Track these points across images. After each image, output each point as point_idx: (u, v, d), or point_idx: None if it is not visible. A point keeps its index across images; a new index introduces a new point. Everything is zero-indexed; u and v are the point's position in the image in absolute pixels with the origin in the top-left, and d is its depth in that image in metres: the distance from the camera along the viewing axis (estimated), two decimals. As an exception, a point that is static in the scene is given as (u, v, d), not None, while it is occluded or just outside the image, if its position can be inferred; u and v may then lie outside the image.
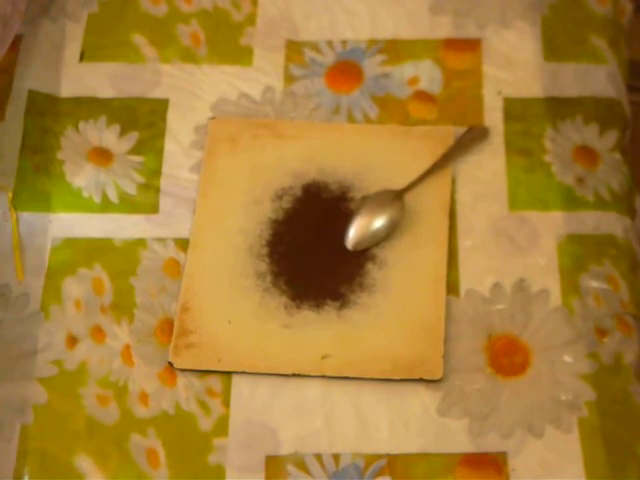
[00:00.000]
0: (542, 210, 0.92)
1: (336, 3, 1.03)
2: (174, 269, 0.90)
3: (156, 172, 0.95)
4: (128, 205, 0.93)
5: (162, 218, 0.92)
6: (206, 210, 0.92)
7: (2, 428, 0.83)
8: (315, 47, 1.01)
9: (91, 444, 0.83)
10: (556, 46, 1.00)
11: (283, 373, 0.85)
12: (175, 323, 0.87)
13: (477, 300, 0.88)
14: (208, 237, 0.91)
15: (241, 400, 0.84)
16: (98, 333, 0.87)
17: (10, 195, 0.93)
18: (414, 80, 0.99)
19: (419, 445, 0.82)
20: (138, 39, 1.02)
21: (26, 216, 0.92)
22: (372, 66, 1.00)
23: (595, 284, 0.88)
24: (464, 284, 0.88)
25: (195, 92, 0.99)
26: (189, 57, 1.01)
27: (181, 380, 0.85)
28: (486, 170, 0.94)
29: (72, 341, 0.86)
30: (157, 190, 0.94)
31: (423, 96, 0.98)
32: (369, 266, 0.89)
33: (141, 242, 0.91)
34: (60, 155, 0.95)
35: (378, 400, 0.84)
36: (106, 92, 0.99)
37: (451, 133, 0.95)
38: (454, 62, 1.00)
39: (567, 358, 0.85)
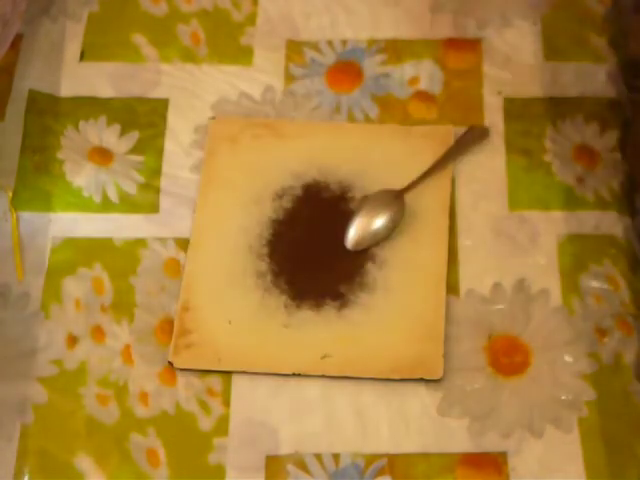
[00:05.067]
0: (542, 210, 0.92)
1: (336, 3, 1.03)
2: (174, 269, 0.90)
3: (156, 172, 0.95)
4: (128, 205, 0.93)
5: (162, 218, 0.93)
6: (206, 210, 0.92)
7: (2, 428, 0.83)
8: (315, 47, 1.01)
9: (91, 444, 0.83)
10: (556, 46, 1.00)
11: (283, 373, 0.85)
12: (175, 323, 0.87)
13: (477, 300, 0.88)
14: (208, 237, 0.91)
15: (241, 400, 0.84)
16: (98, 333, 0.87)
17: (10, 195, 0.93)
18: (414, 80, 0.99)
19: (419, 445, 0.82)
20: (138, 39, 1.02)
21: (26, 216, 0.92)
22: (372, 66, 1.00)
23: (595, 284, 0.88)
24: (464, 284, 0.88)
25: (195, 92, 0.99)
26: (189, 57, 1.01)
27: (181, 380, 0.85)
28: (486, 170, 0.94)
29: (72, 341, 0.87)
30: (157, 190, 0.94)
31: (423, 96, 0.98)
32: (369, 266, 0.89)
33: (141, 242, 0.91)
34: (60, 155, 0.95)
35: (378, 400, 0.84)
36: (106, 92, 0.99)
37: (451, 133, 0.96)
38: (454, 62, 1.00)
39: (567, 358, 0.85)
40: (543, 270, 0.89)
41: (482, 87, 0.98)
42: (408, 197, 0.91)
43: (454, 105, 0.98)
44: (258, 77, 0.99)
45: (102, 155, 0.95)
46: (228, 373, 0.85)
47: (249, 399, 0.84)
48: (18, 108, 0.97)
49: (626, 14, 1.05)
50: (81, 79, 1.00)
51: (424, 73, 0.99)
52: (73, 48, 1.01)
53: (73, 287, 0.89)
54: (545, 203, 0.92)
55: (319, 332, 0.86)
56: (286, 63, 1.00)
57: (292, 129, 0.97)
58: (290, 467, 0.82)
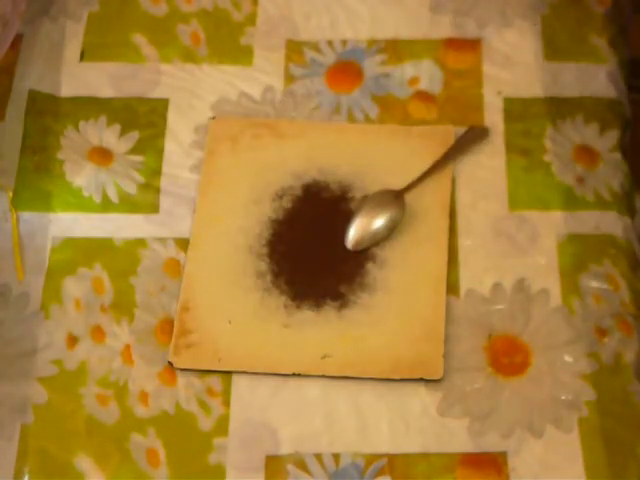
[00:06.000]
0: (542, 210, 0.92)
1: (336, 3, 1.03)
2: (174, 269, 0.90)
3: (156, 172, 0.95)
4: (128, 205, 0.93)
5: (162, 218, 0.93)
6: (206, 210, 0.92)
7: (2, 427, 0.83)
8: (315, 47, 1.01)
9: (91, 444, 0.83)
10: (556, 46, 1.00)
11: (283, 373, 0.85)
12: (175, 323, 0.87)
13: (477, 300, 0.88)
14: (208, 237, 0.91)
15: (241, 400, 0.84)
16: (98, 333, 0.87)
17: (10, 195, 0.93)
18: (414, 80, 0.99)
19: (419, 445, 0.82)
20: (138, 39, 1.02)
21: (26, 216, 0.92)
22: (372, 66, 1.00)
23: (595, 284, 0.88)
24: (464, 284, 0.88)
25: (195, 92, 0.99)
26: (189, 57, 1.01)
27: (181, 380, 0.85)
28: (486, 170, 0.94)
29: (72, 341, 0.86)
30: (157, 190, 0.94)
31: (423, 96, 0.98)
32: (369, 266, 0.89)
33: (141, 242, 0.91)
34: (60, 155, 0.95)
35: (378, 400, 0.84)
36: (106, 92, 0.99)
37: (451, 133, 0.96)
38: (454, 62, 1.00)
39: (567, 358, 0.85)
40: (543, 270, 0.89)
41: (482, 87, 0.98)
42: (408, 197, 0.91)
43: (454, 105, 0.98)
44: (258, 77, 1.00)
45: (102, 155, 0.95)
46: (228, 373, 0.85)
47: (249, 399, 0.84)
48: (18, 108, 0.97)
49: (626, 14, 1.05)
50: (81, 79, 1.00)
51: (424, 73, 0.99)
52: (73, 48, 1.01)
53: (73, 287, 0.89)
54: (545, 203, 0.92)
55: (319, 332, 0.86)
56: (286, 63, 1.00)
57: (292, 129, 0.97)
58: (290, 467, 0.82)
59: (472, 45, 1.01)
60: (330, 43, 1.01)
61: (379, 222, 0.90)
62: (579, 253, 0.90)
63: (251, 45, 1.01)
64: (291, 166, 0.94)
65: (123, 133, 0.97)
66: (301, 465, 0.82)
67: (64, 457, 0.82)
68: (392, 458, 0.82)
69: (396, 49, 1.01)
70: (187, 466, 0.82)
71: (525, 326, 0.86)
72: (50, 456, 0.82)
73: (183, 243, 0.91)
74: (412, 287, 0.88)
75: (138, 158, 0.95)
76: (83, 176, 0.94)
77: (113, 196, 0.93)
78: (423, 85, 0.99)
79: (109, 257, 0.91)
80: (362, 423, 0.83)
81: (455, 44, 1.01)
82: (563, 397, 0.83)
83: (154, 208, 0.93)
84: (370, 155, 0.95)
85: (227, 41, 1.02)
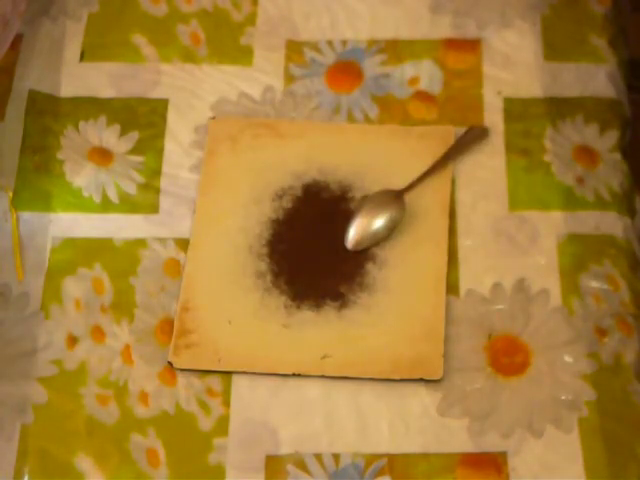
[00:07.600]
0: (542, 210, 0.92)
1: (336, 3, 1.03)
2: (174, 269, 0.90)
3: (156, 172, 0.95)
4: (128, 205, 0.93)
5: (162, 218, 0.93)
6: (206, 210, 0.92)
7: (2, 427, 0.83)
8: (315, 47, 1.01)
9: (91, 444, 0.83)
10: (556, 46, 1.00)
11: (283, 373, 0.85)
12: (175, 323, 0.87)
13: (477, 300, 0.88)
14: (208, 237, 0.91)
15: (241, 400, 0.84)
16: (98, 333, 0.87)
17: (10, 195, 0.93)
18: (414, 80, 0.99)
19: (419, 445, 0.82)
20: (138, 39, 1.02)
21: (26, 216, 0.92)
22: (372, 66, 1.00)
23: (595, 284, 0.88)
24: (464, 284, 0.88)
25: (195, 92, 0.99)
26: (189, 57, 1.01)
27: (181, 380, 0.85)
28: (486, 170, 0.94)
29: (72, 341, 0.87)
30: (157, 190, 0.94)
31: (423, 96, 0.98)
32: (369, 266, 0.89)
33: (141, 242, 0.91)
34: (60, 155, 0.95)
35: (378, 400, 0.84)
36: (106, 92, 0.99)
37: (451, 133, 0.96)
38: (454, 62, 1.00)
39: (567, 358, 0.85)
40: (543, 270, 0.89)
41: (482, 87, 0.98)
42: (408, 197, 0.91)
43: (454, 105, 0.98)
44: (258, 77, 1.00)
45: (102, 155, 0.95)
46: (228, 373, 0.85)
47: (249, 399, 0.84)
48: (18, 108, 0.97)
49: (626, 14, 1.06)
50: (81, 79, 1.00)
51: (424, 73, 0.99)
52: (73, 48, 1.01)
53: (73, 287, 0.89)
54: (545, 203, 0.92)
55: (319, 332, 0.86)
56: (286, 63, 1.00)
57: (292, 129, 0.97)
58: (290, 467, 0.82)
59: (472, 45, 1.01)
60: (330, 43, 1.01)
61: (379, 222, 0.90)
62: (579, 253, 0.90)
63: (251, 45, 1.01)
64: (291, 166, 0.94)
65: (123, 133, 0.97)
66: (301, 465, 0.82)
67: (64, 457, 0.82)
68: (392, 458, 0.82)
69: (396, 49, 1.01)
70: (187, 466, 0.82)
71: (525, 326, 0.86)
72: (50, 456, 0.82)
73: (183, 243, 0.91)
74: (412, 287, 0.88)
75: (138, 158, 0.95)
76: (83, 176, 0.94)
77: (113, 196, 0.93)
78: (423, 85, 0.99)
79: (109, 257, 0.91)
80: (362, 423, 0.83)
81: (455, 44, 1.01)
82: (563, 397, 0.83)
83: (154, 208, 0.93)
84: (370, 155, 0.95)
85: (227, 41, 1.02)
